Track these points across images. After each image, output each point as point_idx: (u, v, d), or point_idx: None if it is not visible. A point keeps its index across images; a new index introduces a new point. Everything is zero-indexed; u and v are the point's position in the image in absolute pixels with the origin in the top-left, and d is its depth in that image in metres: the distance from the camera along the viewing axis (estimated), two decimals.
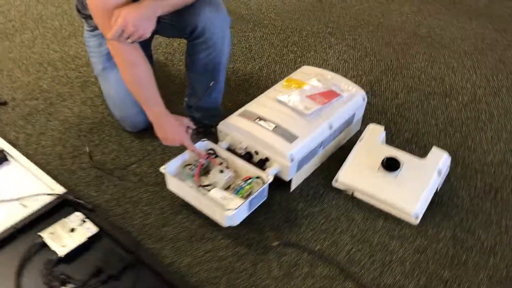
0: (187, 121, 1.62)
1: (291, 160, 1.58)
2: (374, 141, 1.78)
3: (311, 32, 2.65)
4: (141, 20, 1.33)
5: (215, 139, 1.73)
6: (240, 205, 1.46)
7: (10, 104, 2.06)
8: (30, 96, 2.10)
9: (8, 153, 1.77)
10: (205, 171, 1.62)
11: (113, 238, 1.49)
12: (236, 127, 1.68)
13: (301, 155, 1.62)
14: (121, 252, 1.45)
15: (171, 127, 1.56)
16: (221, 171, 1.59)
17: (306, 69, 1.96)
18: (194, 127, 1.65)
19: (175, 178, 1.56)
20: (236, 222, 1.50)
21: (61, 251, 1.44)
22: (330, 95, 1.79)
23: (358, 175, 1.67)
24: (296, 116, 1.69)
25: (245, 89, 2.18)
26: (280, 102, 1.75)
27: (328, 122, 1.71)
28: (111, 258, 1.44)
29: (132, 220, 1.58)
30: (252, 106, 1.75)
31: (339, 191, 1.69)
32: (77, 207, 1.57)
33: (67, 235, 1.48)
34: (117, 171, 1.75)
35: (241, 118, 1.70)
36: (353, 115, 1.84)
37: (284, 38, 2.58)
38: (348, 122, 1.83)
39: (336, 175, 1.70)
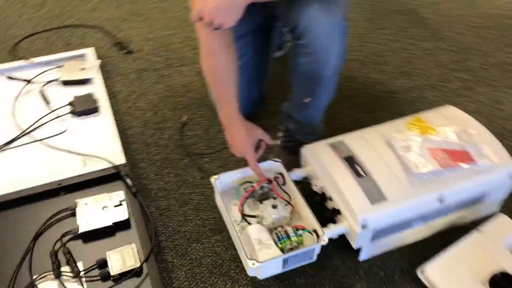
0: (260, 133, 1.34)
1: (362, 226, 1.20)
2: (497, 240, 1.26)
3: (500, 62, 2.05)
4: (218, 10, 1.07)
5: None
6: (267, 260, 1.15)
7: (134, 54, 2.02)
8: (155, 51, 2.03)
9: (100, 106, 1.72)
10: (262, 197, 1.34)
11: (137, 234, 1.34)
12: (318, 159, 1.34)
13: (382, 224, 1.23)
14: (134, 254, 1.29)
15: (238, 135, 1.30)
16: (274, 206, 1.29)
17: (449, 111, 1.48)
18: (270, 141, 1.36)
19: (220, 194, 1.31)
20: (261, 276, 1.20)
21: (83, 227, 1.33)
22: (460, 157, 1.31)
23: (452, 279, 1.20)
24: (400, 171, 1.28)
25: (373, 109, 1.78)
26: (389, 145, 1.34)
27: (439, 193, 1.26)
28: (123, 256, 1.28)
29: (168, 221, 1.40)
30: (351, 138, 1.38)
31: (421, 285, 1.25)
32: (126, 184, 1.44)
33: (98, 212, 1.37)
34: (187, 159, 1.58)
35: (330, 149, 1.35)
36: (485, 194, 1.34)
37: (459, 60, 2.04)
38: (474, 201, 1.34)
39: (424, 264, 1.26)
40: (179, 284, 1.25)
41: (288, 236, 1.22)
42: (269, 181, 1.34)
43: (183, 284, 1.25)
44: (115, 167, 1.49)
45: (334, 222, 1.29)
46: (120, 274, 1.24)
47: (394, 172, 1.28)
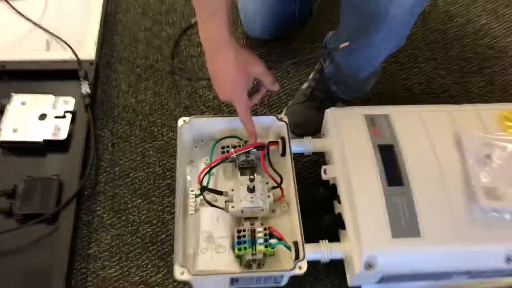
0: (259, 70, 0.83)
1: (365, 265, 0.76)
2: None
3: None
4: None
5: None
6: (206, 274, 0.76)
7: None
8: None
9: None
10: (243, 166, 0.91)
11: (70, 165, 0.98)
12: (342, 134, 0.87)
13: (400, 269, 0.78)
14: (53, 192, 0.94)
15: (225, 68, 0.82)
16: (251, 189, 0.86)
17: None
18: (272, 85, 0.86)
19: (183, 145, 0.90)
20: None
21: (4, 134, 0.99)
22: None
23: None
24: (461, 195, 0.79)
25: (462, 70, 1.22)
26: (459, 144, 0.84)
27: (509, 249, 0.77)
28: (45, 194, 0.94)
29: (119, 157, 1.01)
30: (402, 115, 0.89)
31: None
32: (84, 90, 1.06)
33: (32, 119, 1.01)
34: (176, 77, 1.15)
35: (364, 123, 0.87)
36: None
37: None
38: None
39: None
40: (97, 252, 0.90)
41: (254, 242, 0.81)
42: (260, 147, 0.90)
43: (101, 253, 0.90)
44: (79, 62, 1.09)
45: (335, 236, 0.86)
46: (24, 215, 0.91)
47: (450, 195, 0.80)
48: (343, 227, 0.83)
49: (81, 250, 0.90)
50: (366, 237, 0.77)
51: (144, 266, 0.89)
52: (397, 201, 0.79)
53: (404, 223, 0.77)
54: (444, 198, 0.80)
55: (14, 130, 0.99)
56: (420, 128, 0.87)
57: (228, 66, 0.80)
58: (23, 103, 1.03)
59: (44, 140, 0.98)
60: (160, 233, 0.93)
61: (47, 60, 1.10)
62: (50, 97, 1.04)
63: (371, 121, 0.88)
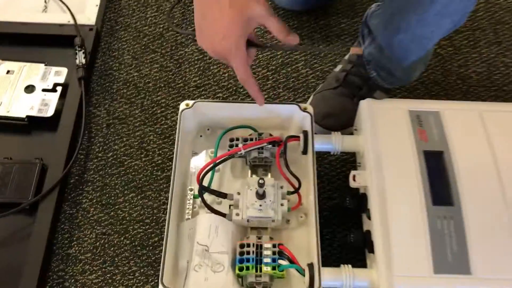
0: (261, 10, 0.62)
1: None
2: None
3: None
4: None
5: None
6: None
7: None
8: None
9: None
10: (255, 163, 0.75)
11: (55, 145, 0.84)
12: (379, 133, 0.70)
13: None
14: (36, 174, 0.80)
15: (216, 9, 0.62)
16: (261, 195, 0.70)
17: None
18: (281, 32, 0.63)
19: (183, 133, 0.74)
20: None
21: None
22: None
23: None
24: None
25: None
26: None
27: None
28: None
29: (115, 141, 0.87)
30: (458, 113, 0.71)
31: None
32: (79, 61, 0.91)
33: (17, 91, 0.87)
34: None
35: (408, 120, 0.70)
36: None
37: None
38: None
39: None
40: (78, 253, 0.77)
41: (260, 261, 0.65)
42: (276, 143, 0.73)
43: (83, 255, 0.77)
44: (76, 26, 0.94)
45: (361, 259, 0.70)
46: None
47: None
48: (371, 250, 0.66)
49: (60, 249, 0.77)
50: (400, 269, 0.60)
51: (131, 273, 0.76)
52: (443, 225, 0.62)
53: (451, 255, 0.60)
54: (506, 226, 0.62)
55: None
56: (479, 131, 0.69)
57: (219, 6, 0.62)
58: (8, 73, 0.89)
59: (27, 117, 0.85)
60: (152, 235, 0.79)
61: (41, 23, 0.95)
62: (40, 67, 0.90)
63: (417, 119, 0.70)
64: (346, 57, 0.91)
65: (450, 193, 0.64)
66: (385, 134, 0.69)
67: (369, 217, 0.68)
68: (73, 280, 0.75)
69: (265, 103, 0.74)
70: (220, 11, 0.61)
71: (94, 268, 0.76)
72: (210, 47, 0.64)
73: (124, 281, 0.75)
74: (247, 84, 0.68)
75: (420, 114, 0.71)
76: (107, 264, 0.76)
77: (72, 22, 0.95)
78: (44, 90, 0.87)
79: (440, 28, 0.73)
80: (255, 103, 0.73)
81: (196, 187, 0.72)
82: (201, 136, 0.79)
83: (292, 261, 0.65)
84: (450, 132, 0.68)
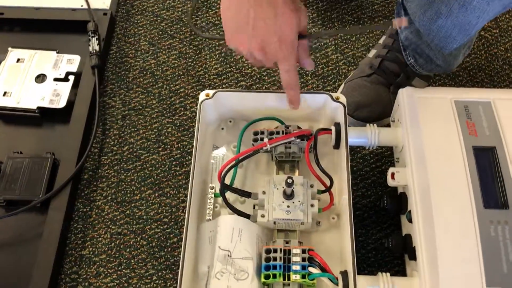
0: (305, 19, 0.59)
1: None
2: None
3: None
4: None
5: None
6: None
7: None
8: None
9: None
10: (281, 159, 0.69)
11: (68, 138, 0.79)
12: (421, 125, 0.62)
13: None
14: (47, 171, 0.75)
15: (264, 9, 0.54)
16: (288, 195, 0.63)
17: None
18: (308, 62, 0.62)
19: (203, 125, 0.68)
20: None
21: None
22: None
23: None
24: None
25: None
26: None
27: None
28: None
29: (131, 134, 0.81)
30: None
31: None
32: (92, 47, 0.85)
33: (27, 81, 0.82)
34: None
35: (452, 111, 0.62)
36: None
37: None
38: None
39: None
40: (92, 254, 0.72)
41: (288, 268, 0.59)
42: (306, 137, 0.67)
43: (97, 256, 0.72)
44: (89, 11, 0.88)
45: (398, 264, 0.63)
46: (8, 201, 0.74)
47: None
48: (413, 257, 0.59)
49: (72, 250, 0.72)
50: (446, 280, 0.53)
51: (148, 277, 0.70)
52: (497, 231, 0.55)
53: (506, 266, 0.53)
54: None
55: (6, 94, 0.81)
56: None
57: (270, 3, 0.55)
58: (19, 60, 0.84)
59: (38, 108, 0.79)
60: (171, 235, 0.73)
61: (52, 7, 0.90)
62: (52, 54, 0.85)
63: (465, 110, 0.63)
64: (381, 41, 0.83)
65: (505, 195, 0.56)
66: (428, 126, 0.62)
67: (409, 220, 0.61)
68: (86, 284, 0.70)
69: None
70: (273, 8, 0.54)
71: (109, 270, 0.71)
72: (258, 48, 0.57)
73: (141, 285, 0.70)
74: (292, 88, 0.64)
75: (469, 105, 0.63)
76: (122, 267, 0.71)
77: (85, 6, 0.89)
78: (55, 79, 0.82)
79: (487, 13, 0.64)
80: (281, 92, 0.66)
81: (217, 185, 0.66)
82: (222, 128, 0.73)
83: (324, 269, 0.58)
84: (504, 125, 0.60)
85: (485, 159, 0.59)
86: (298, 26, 0.58)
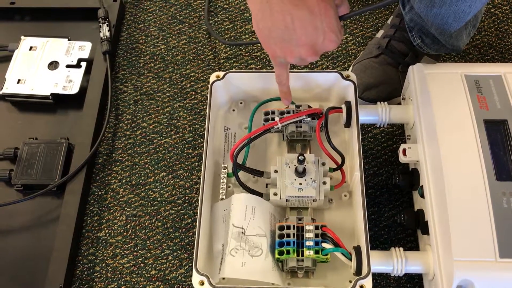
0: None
1: None
2: None
3: None
4: None
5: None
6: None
7: None
8: None
9: None
10: (293, 138, 0.69)
11: (83, 122, 0.80)
12: (431, 101, 0.62)
13: None
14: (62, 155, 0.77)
15: (301, 9, 0.50)
16: (301, 172, 0.63)
17: None
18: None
19: (214, 106, 0.69)
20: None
21: (8, 87, 0.82)
22: None
23: None
24: None
25: None
26: None
27: None
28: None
29: (143, 117, 0.82)
30: None
31: None
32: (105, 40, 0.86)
33: (40, 67, 0.83)
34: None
35: (462, 86, 0.63)
36: None
37: None
38: None
39: None
40: (108, 236, 0.73)
41: (301, 244, 0.60)
42: (316, 115, 0.67)
43: (113, 238, 0.73)
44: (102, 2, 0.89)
45: (411, 241, 0.63)
46: (25, 185, 0.75)
47: None
48: (425, 231, 0.60)
49: (89, 232, 0.74)
50: (460, 252, 0.54)
51: (164, 257, 0.71)
52: (510, 203, 0.55)
53: None
54: None
55: (20, 81, 0.82)
56: None
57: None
58: (31, 48, 0.85)
59: (52, 94, 0.81)
60: (185, 216, 0.74)
61: None
62: (64, 42, 0.85)
63: (475, 84, 0.63)
64: (389, 21, 0.83)
65: None
66: (439, 102, 0.62)
67: (422, 195, 0.61)
68: (103, 265, 0.71)
69: (302, 71, 0.68)
70: (306, 6, 0.50)
71: (125, 252, 0.72)
72: (311, 53, 0.53)
73: (157, 265, 0.71)
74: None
75: (479, 79, 0.63)
76: (138, 248, 0.72)
77: None
78: (68, 66, 0.83)
79: (479, 1, 0.63)
80: (292, 72, 0.67)
81: (230, 165, 0.67)
82: (233, 110, 0.74)
83: (337, 244, 0.59)
84: None
85: (496, 132, 0.59)
86: (337, 11, 0.53)
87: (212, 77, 0.69)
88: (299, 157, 0.61)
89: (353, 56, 0.85)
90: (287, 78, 0.62)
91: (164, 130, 0.81)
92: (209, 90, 0.69)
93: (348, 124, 0.67)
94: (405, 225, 0.63)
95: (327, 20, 0.51)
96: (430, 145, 0.60)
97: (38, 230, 0.73)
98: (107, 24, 0.85)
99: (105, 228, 0.74)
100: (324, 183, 0.63)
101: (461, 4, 0.63)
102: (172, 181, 0.77)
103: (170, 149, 0.79)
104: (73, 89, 0.81)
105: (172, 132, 0.81)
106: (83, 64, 0.83)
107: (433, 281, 0.58)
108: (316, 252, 0.59)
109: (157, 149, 0.79)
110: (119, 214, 0.75)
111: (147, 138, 0.81)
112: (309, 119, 0.67)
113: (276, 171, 0.64)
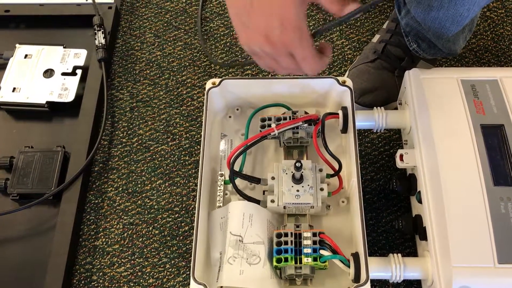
0: None
1: None
2: None
3: None
4: None
5: None
6: None
7: None
8: None
9: None
10: (289, 145, 0.69)
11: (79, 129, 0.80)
12: (427, 106, 0.62)
13: None
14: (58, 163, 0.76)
15: None
16: (297, 179, 0.63)
17: None
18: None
19: (209, 114, 0.68)
20: None
21: (3, 95, 0.81)
22: None
23: None
24: None
25: None
26: None
27: None
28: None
29: (139, 124, 0.82)
30: None
31: None
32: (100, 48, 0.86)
33: (35, 76, 0.83)
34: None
35: (458, 90, 0.63)
36: None
37: None
38: None
39: None
40: (105, 244, 0.72)
41: (299, 251, 0.59)
42: (313, 121, 0.67)
43: (111, 246, 0.72)
44: (94, 5, 0.89)
45: (409, 246, 0.63)
46: (20, 195, 0.75)
47: None
48: (424, 237, 0.60)
49: (86, 241, 0.73)
50: (458, 258, 0.54)
51: (161, 265, 0.71)
52: (508, 208, 0.55)
53: None
54: None
55: (14, 89, 0.81)
56: None
57: None
58: (27, 56, 0.85)
59: (47, 102, 0.80)
60: (182, 224, 0.74)
61: (58, 3, 0.90)
62: (59, 49, 0.85)
63: (472, 89, 0.63)
64: (385, 25, 0.83)
65: None
66: (435, 107, 0.62)
67: (419, 201, 0.61)
68: (101, 273, 0.71)
69: (299, 77, 0.68)
70: None
71: (122, 260, 0.72)
72: (266, 43, 0.50)
73: (154, 274, 0.70)
74: (310, 67, 0.54)
75: (475, 84, 0.63)
76: (136, 256, 0.72)
77: (90, 0, 0.89)
78: (63, 73, 0.82)
79: (478, 4, 0.63)
80: (288, 78, 0.67)
81: (226, 172, 0.67)
82: (230, 116, 0.73)
83: (335, 251, 0.59)
84: None
85: (493, 137, 0.59)
86: (303, 3, 0.50)
87: (208, 84, 0.69)
88: (296, 164, 0.60)
89: (349, 61, 0.85)
90: (278, 68, 0.55)
91: (161, 137, 0.81)
92: (205, 97, 0.68)
93: (344, 129, 0.67)
94: (403, 231, 0.63)
95: (285, 12, 0.48)
96: (427, 150, 0.60)
97: (35, 239, 0.73)
98: (102, 31, 0.85)
99: (102, 237, 0.73)
100: (322, 189, 0.63)
101: (459, 8, 0.63)
102: (169, 189, 0.76)
103: (166, 156, 0.79)
104: (69, 97, 0.80)
105: (169, 139, 0.80)
106: (79, 71, 0.83)
107: (432, 287, 0.57)
108: (314, 259, 0.58)
109: (154, 156, 0.79)
110: (116, 223, 0.74)
111: (144, 145, 0.80)
112: (305, 125, 0.66)
113: (273, 178, 0.64)
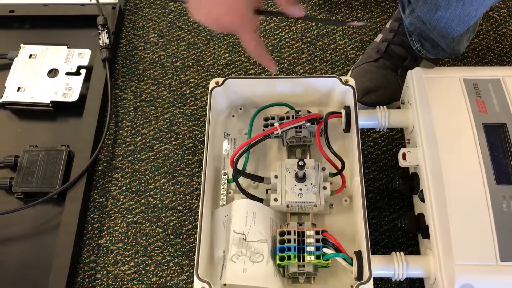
0: None
1: None
2: None
3: None
4: None
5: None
6: None
7: None
8: None
9: None
10: (292, 144, 0.69)
11: (83, 129, 0.81)
12: (430, 105, 0.63)
13: None
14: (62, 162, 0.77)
15: None
16: (301, 178, 0.63)
17: None
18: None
19: (213, 113, 0.69)
20: None
21: (8, 95, 0.82)
22: None
23: None
24: None
25: None
26: None
27: None
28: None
29: (143, 124, 0.83)
30: None
31: None
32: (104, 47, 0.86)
33: (39, 75, 0.83)
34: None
35: (461, 89, 0.63)
36: None
37: None
38: None
39: None
40: (109, 243, 0.73)
41: (302, 249, 0.60)
42: (316, 120, 0.67)
43: (114, 245, 0.73)
44: (98, 5, 0.89)
45: (412, 245, 0.63)
46: (25, 193, 0.75)
47: None
48: (426, 235, 0.60)
49: (90, 239, 0.74)
50: (460, 256, 0.54)
51: (165, 264, 0.71)
52: (510, 207, 0.55)
53: None
54: None
55: (19, 89, 0.82)
56: None
57: None
58: (31, 56, 0.85)
59: (52, 102, 0.81)
60: (186, 222, 0.74)
61: (62, 3, 0.91)
62: (63, 49, 0.86)
63: (474, 88, 0.63)
64: (387, 25, 0.84)
65: None
66: (438, 106, 0.62)
67: (422, 199, 0.61)
68: (105, 272, 0.71)
69: (302, 77, 0.69)
70: None
71: (126, 258, 0.72)
72: (214, 22, 0.55)
73: (158, 272, 0.71)
74: (260, 58, 0.60)
75: (478, 83, 0.63)
76: (139, 254, 0.72)
77: (93, 1, 0.90)
78: (67, 73, 0.83)
79: (485, 5, 0.64)
80: (291, 77, 0.67)
81: (230, 171, 0.67)
82: (233, 116, 0.74)
83: (338, 249, 0.59)
84: None
85: (496, 136, 0.59)
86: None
87: (212, 84, 0.70)
88: (299, 163, 0.61)
89: (352, 61, 0.86)
90: (257, 48, 0.58)
91: (164, 137, 0.81)
92: (208, 96, 0.69)
93: (347, 129, 0.67)
94: (406, 229, 0.64)
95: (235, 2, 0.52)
96: (429, 149, 0.60)
97: (39, 238, 0.73)
98: (106, 31, 0.85)
99: (106, 235, 0.74)
100: (325, 188, 0.63)
101: (467, 8, 0.63)
102: (172, 188, 0.77)
103: (170, 155, 0.79)
104: (73, 96, 0.81)
105: (172, 139, 0.81)
106: (83, 71, 0.83)
107: (434, 285, 0.58)
108: (317, 258, 0.59)
109: (157, 155, 0.80)
110: (119, 221, 0.75)
111: (147, 144, 0.81)
112: (308, 124, 0.67)
113: (276, 177, 0.64)
